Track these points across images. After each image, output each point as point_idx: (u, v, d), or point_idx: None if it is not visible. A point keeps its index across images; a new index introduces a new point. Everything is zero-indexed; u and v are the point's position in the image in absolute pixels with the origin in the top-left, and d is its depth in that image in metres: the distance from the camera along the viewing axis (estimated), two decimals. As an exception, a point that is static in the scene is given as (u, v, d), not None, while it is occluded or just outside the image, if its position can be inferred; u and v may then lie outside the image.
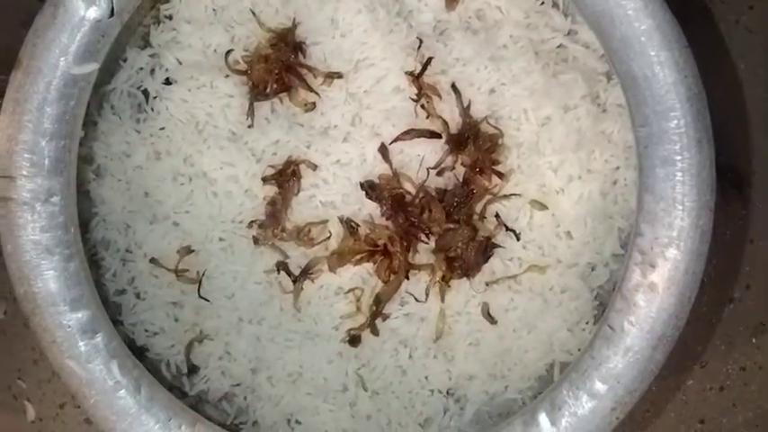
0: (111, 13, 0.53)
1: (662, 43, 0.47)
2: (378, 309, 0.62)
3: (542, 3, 0.61)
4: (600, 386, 0.50)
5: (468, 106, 0.61)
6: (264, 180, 0.62)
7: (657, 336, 0.49)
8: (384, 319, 0.63)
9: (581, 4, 0.50)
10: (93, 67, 0.54)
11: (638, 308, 0.49)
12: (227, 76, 0.62)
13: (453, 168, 0.61)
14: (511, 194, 0.61)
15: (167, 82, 0.63)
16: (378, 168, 0.62)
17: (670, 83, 0.48)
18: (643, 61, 0.47)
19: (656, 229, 0.49)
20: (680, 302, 0.49)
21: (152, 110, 0.63)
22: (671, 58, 0.47)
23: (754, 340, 0.69)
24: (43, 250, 0.54)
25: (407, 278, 0.61)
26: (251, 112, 0.62)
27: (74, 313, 0.54)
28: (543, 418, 0.53)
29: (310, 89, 0.61)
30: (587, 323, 0.62)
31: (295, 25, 0.61)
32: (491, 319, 0.61)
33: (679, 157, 0.48)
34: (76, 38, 0.53)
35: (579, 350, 0.61)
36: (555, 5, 0.61)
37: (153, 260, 0.62)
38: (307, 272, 0.62)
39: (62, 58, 0.53)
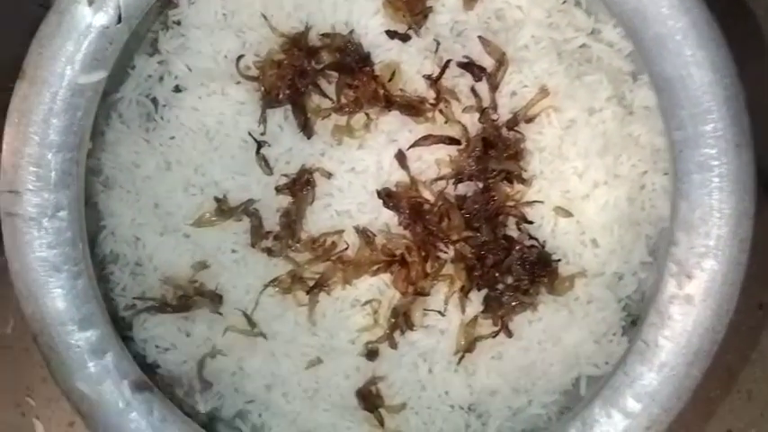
0: (119, 20, 0.51)
1: (698, 42, 0.45)
2: (396, 321, 0.60)
3: (564, 1, 0.59)
4: (633, 404, 0.48)
5: (489, 110, 0.58)
6: (278, 189, 0.60)
7: (694, 350, 0.47)
8: (403, 332, 0.60)
9: (609, 1, 0.47)
10: (100, 76, 0.52)
11: (674, 321, 0.47)
12: (239, 82, 0.60)
13: (473, 175, 0.59)
14: (534, 201, 0.59)
15: (177, 89, 0.61)
16: (394, 176, 0.60)
17: (706, 84, 0.45)
18: (678, 61, 0.45)
19: (692, 238, 0.46)
20: (717, 315, 0.47)
21: (161, 118, 0.61)
22: (707, 58, 0.45)
23: (783, 347, 0.66)
24: (50, 267, 0.52)
25: (428, 294, 0.59)
26: (263, 120, 0.60)
27: (83, 332, 0.53)
28: (575, 438, 0.51)
29: (324, 95, 0.59)
30: (615, 335, 0.60)
31: (308, 29, 0.59)
32: (508, 333, 0.59)
33: (716, 162, 0.46)
34: (83, 46, 0.51)
35: (607, 363, 0.59)
36: (577, 4, 0.59)
37: (166, 280, 0.60)
38: (322, 284, 0.60)
39: (68, 67, 0.51)
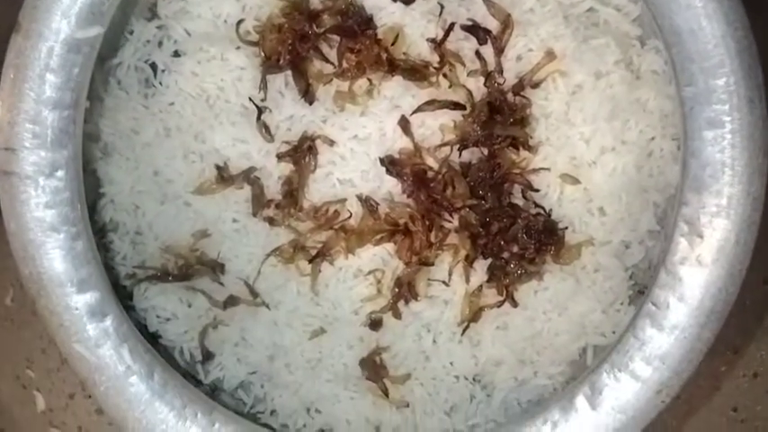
0: (116, -26, 0.50)
1: (709, -7, 0.44)
2: (400, 291, 0.59)
3: (570, -37, 0.58)
4: (643, 368, 0.47)
5: (494, 73, 0.57)
6: (279, 157, 0.59)
7: (706, 312, 0.46)
8: (407, 302, 0.60)
9: (619, -46, 0.46)
10: (97, 31, 0.51)
11: (685, 282, 0.46)
12: (239, 47, 0.59)
13: (478, 141, 0.58)
14: (540, 168, 0.58)
15: (176, 54, 0.60)
16: (398, 143, 0.59)
17: (718, 36, 0.44)
18: (688, 14, 0.44)
19: (702, 197, 0.45)
20: (730, 275, 0.46)
21: (161, 84, 0.60)
22: (719, 10, 0.44)
23: (790, 325, 0.66)
24: (48, 228, 0.51)
25: (432, 264, 0.58)
26: (263, 86, 0.59)
27: (81, 295, 0.52)
28: (582, 403, 0.50)
29: (326, 60, 0.58)
30: (622, 304, 0.59)
31: (309, -9, 0.58)
32: (513, 302, 0.58)
33: (728, 118, 0.45)
34: (79, -1, 0.50)
35: (614, 332, 0.58)
36: (584, -34, 0.58)
37: (166, 248, 0.60)
38: (324, 253, 0.59)
39: (64, 21, 0.49)
